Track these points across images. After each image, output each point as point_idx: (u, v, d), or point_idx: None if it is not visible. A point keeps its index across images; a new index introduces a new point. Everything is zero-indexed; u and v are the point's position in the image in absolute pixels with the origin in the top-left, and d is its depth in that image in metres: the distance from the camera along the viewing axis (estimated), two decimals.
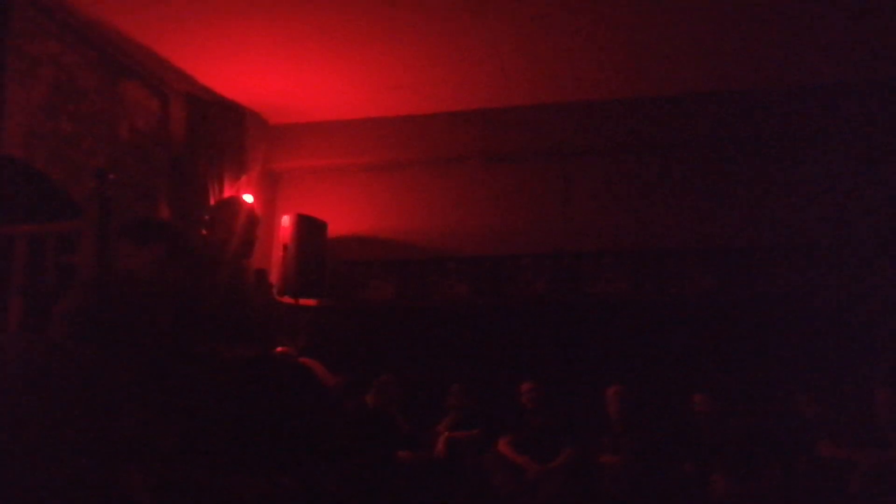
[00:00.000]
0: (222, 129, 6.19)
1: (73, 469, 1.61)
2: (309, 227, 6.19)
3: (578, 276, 6.17)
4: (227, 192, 6.12)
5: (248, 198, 6.14)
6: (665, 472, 4.84)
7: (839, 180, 5.75)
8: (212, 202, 5.78)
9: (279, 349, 4.34)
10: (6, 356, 1.71)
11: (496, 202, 6.45)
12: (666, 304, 5.91)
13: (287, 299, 6.09)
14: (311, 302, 6.43)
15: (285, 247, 6.08)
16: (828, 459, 4.49)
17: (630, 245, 6.11)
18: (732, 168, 6.04)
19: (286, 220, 6.16)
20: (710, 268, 5.92)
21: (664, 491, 4.73)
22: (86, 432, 1.67)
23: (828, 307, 5.50)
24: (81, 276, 3.14)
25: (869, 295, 5.45)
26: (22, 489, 1.55)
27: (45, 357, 1.76)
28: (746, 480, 4.62)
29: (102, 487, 1.65)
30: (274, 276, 6.18)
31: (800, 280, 5.70)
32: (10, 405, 1.61)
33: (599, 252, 6.16)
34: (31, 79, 4.56)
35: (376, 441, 5.00)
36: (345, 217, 6.62)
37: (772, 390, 5.31)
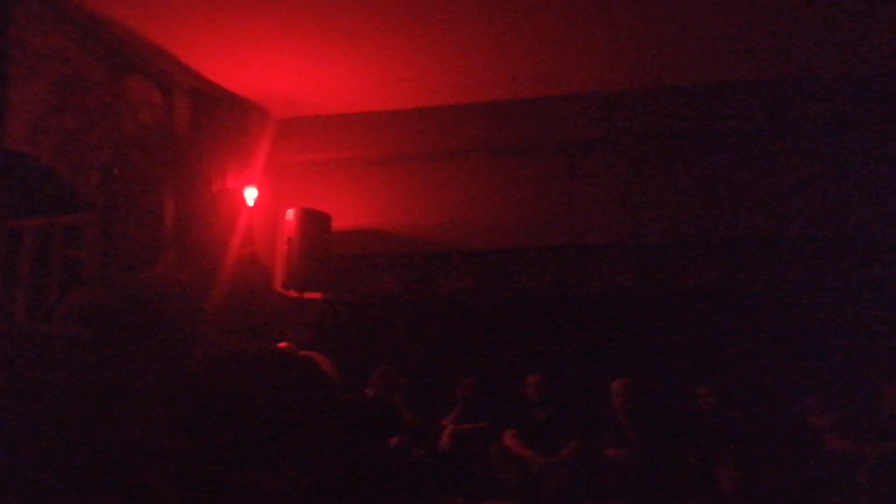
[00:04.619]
0: (227, 124, 6.20)
1: (83, 466, 1.62)
2: (313, 221, 6.19)
3: (584, 270, 6.16)
4: (232, 186, 6.13)
5: (253, 191, 6.17)
6: (670, 466, 4.84)
7: (844, 174, 5.72)
8: (215, 195, 5.79)
9: (282, 344, 4.34)
10: (15, 348, 1.72)
11: (501, 195, 6.44)
12: (671, 298, 5.89)
13: (292, 293, 6.10)
14: (315, 295, 6.44)
15: (290, 240, 6.08)
16: (835, 453, 4.49)
17: (634, 238, 6.10)
18: (738, 161, 6.01)
19: (290, 214, 6.16)
20: (714, 261, 5.90)
21: (669, 484, 4.73)
22: (96, 429, 1.67)
23: (833, 300, 5.48)
24: (90, 271, 3.16)
25: (874, 288, 5.43)
26: (32, 485, 1.56)
27: (55, 351, 1.76)
28: (752, 473, 4.62)
29: (113, 485, 1.65)
30: (279, 270, 6.19)
31: (805, 273, 5.68)
32: (19, 399, 1.61)
33: (604, 245, 6.15)
34: (36, 73, 4.56)
35: (378, 432, 4.99)
36: (349, 210, 6.62)
37: (777, 383, 5.30)
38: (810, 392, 4.99)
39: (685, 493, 4.66)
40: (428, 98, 6.35)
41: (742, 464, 4.67)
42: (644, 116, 6.10)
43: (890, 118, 5.58)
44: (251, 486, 1.97)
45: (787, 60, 5.58)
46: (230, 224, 5.96)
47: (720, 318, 5.69)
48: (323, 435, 2.47)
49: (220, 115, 6.14)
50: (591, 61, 5.67)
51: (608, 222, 6.18)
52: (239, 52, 5.54)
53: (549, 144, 6.37)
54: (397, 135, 6.56)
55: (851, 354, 5.21)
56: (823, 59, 5.52)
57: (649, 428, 5.11)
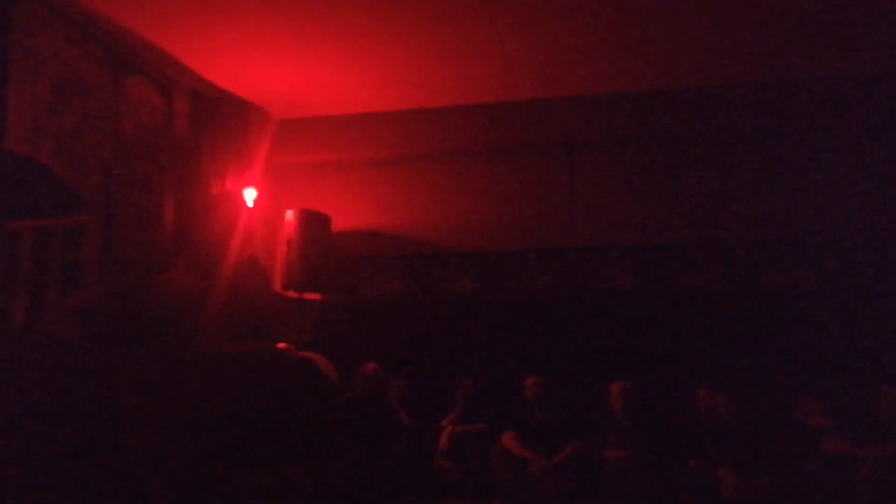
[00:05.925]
0: (226, 125, 6.20)
1: (83, 467, 1.62)
2: (313, 222, 6.19)
3: (584, 271, 6.16)
4: (231, 187, 6.13)
5: (252, 192, 6.16)
6: (670, 468, 4.83)
7: (846, 175, 5.72)
8: (214, 197, 5.79)
9: (281, 345, 4.34)
10: (15, 349, 1.72)
11: (501, 197, 6.44)
12: (671, 300, 5.89)
13: (291, 294, 6.09)
14: (315, 296, 6.43)
15: (289, 241, 6.08)
16: (834, 455, 4.48)
17: (635, 240, 6.10)
18: (738, 162, 6.01)
19: (290, 215, 6.16)
20: (715, 263, 5.90)
21: (669, 486, 4.73)
22: (96, 429, 1.67)
23: (833, 302, 5.49)
24: (90, 273, 3.15)
25: (873, 291, 5.44)
26: (33, 486, 1.55)
27: (54, 352, 1.76)
28: (752, 476, 4.62)
29: (113, 485, 1.65)
30: (278, 271, 6.18)
31: (805, 275, 5.68)
32: (19, 399, 1.61)
33: (604, 247, 6.15)
34: (36, 74, 4.56)
35: (374, 432, 4.97)
36: (349, 212, 6.62)
37: (777, 385, 5.30)
38: (810, 394, 4.99)
39: (685, 496, 4.66)
40: (428, 99, 6.35)
41: (741, 466, 4.67)
42: (645, 118, 6.10)
43: (889, 118, 5.58)
44: (251, 486, 1.97)
45: (789, 63, 5.58)
46: (230, 225, 5.95)
47: (721, 320, 5.69)
48: (322, 435, 2.47)
49: (220, 117, 6.14)
50: (591, 62, 5.66)
51: (608, 224, 6.18)
52: (239, 53, 5.54)
53: (550, 146, 6.37)
54: (397, 136, 6.56)
55: (851, 355, 5.21)
56: (826, 60, 5.52)
57: (649, 430, 5.11)
